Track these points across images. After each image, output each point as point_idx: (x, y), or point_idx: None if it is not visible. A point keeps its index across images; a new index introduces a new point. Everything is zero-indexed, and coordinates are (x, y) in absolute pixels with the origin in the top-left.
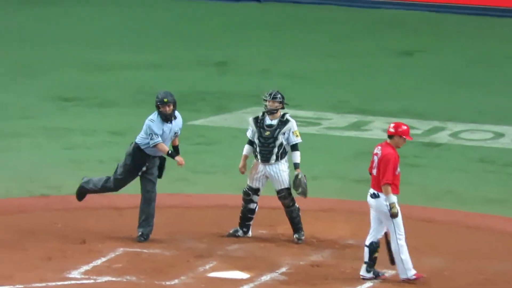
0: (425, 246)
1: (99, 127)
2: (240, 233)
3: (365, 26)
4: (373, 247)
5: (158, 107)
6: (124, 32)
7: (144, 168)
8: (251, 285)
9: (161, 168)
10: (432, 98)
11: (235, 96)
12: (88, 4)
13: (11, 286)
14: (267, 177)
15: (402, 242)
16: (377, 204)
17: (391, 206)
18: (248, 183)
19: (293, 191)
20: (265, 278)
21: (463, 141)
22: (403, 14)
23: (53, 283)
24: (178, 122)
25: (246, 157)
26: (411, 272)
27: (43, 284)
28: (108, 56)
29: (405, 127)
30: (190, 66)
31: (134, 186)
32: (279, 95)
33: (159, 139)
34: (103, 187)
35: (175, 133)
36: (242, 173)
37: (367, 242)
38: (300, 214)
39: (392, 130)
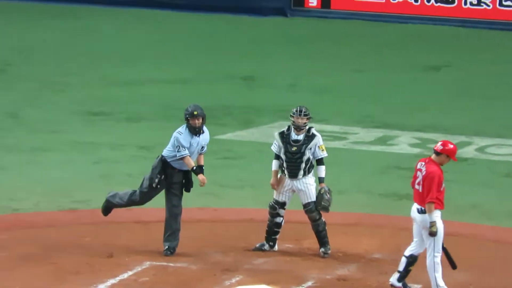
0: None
1: (127, 142)
2: (266, 247)
3: (392, 41)
4: (411, 260)
5: (187, 120)
6: (151, 46)
7: (159, 178)
8: None
9: (188, 183)
10: (459, 113)
11: (262, 111)
12: (113, 18)
13: None
14: (293, 191)
15: (438, 260)
16: (422, 220)
17: (431, 225)
18: (274, 197)
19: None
20: None
21: (489, 155)
22: (430, 29)
23: None
24: (205, 137)
25: (276, 172)
26: None
27: None
28: (135, 71)
29: (452, 146)
30: (217, 80)
31: (161, 200)
32: (308, 112)
33: (186, 151)
34: (129, 201)
35: (202, 147)
36: (275, 189)
37: (407, 253)
38: (326, 228)
39: (439, 147)
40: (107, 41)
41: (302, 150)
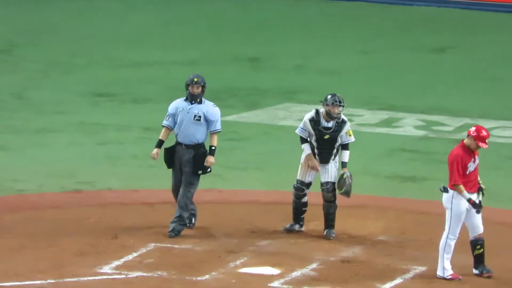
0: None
1: (133, 123)
2: (297, 227)
3: (398, 23)
4: (472, 245)
5: (187, 87)
6: (158, 28)
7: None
8: (282, 281)
9: (194, 163)
10: (464, 95)
11: (268, 92)
12: (117, 1)
13: (43, 281)
14: (318, 171)
15: (451, 242)
16: (443, 199)
17: (471, 203)
18: (299, 178)
19: (337, 190)
20: (296, 274)
21: (495, 138)
22: (436, 11)
23: (85, 278)
24: (201, 108)
25: (311, 155)
26: (448, 272)
27: (75, 279)
28: (142, 52)
29: (481, 132)
30: (223, 62)
31: (166, 182)
32: (343, 102)
33: (165, 122)
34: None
35: (198, 117)
36: (318, 170)
37: (470, 239)
38: (335, 212)
39: (470, 130)
40: (114, 22)
41: (335, 137)
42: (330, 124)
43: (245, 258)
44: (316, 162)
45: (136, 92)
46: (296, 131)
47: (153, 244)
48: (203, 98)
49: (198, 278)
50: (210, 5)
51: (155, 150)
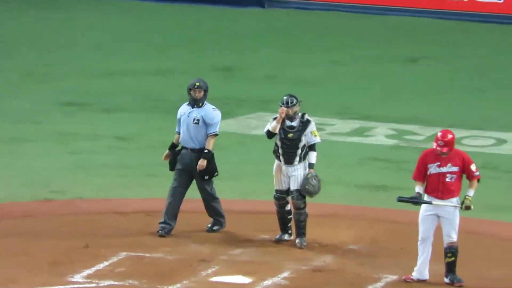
0: None
1: (105, 132)
2: (286, 236)
3: (371, 32)
4: (444, 252)
5: (189, 91)
6: (132, 38)
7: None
8: None
9: (201, 169)
10: (436, 105)
11: (241, 102)
12: (95, 9)
13: None
14: (289, 177)
15: (419, 244)
16: None
17: (412, 197)
18: (276, 188)
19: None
20: (267, 282)
21: (466, 147)
22: (410, 21)
23: (56, 287)
24: (200, 111)
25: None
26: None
27: None
28: (116, 62)
29: (438, 133)
30: (197, 71)
31: (138, 191)
32: (295, 100)
33: (177, 128)
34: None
35: (197, 120)
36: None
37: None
38: (306, 220)
39: None
40: (89, 32)
41: (299, 137)
42: (294, 123)
43: (216, 267)
44: (283, 110)
45: (110, 101)
46: (264, 131)
47: (124, 253)
48: (205, 102)
49: (170, 287)
50: (184, 15)
51: (166, 152)
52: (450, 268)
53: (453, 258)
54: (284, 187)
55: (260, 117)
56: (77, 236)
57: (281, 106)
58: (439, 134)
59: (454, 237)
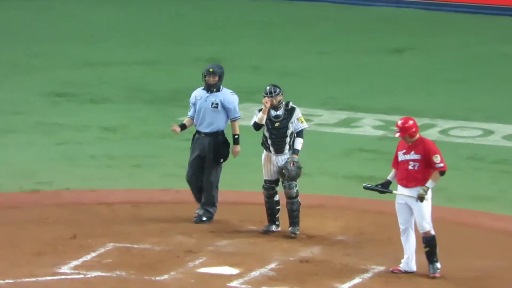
0: None
1: (91, 123)
2: (274, 227)
3: (357, 23)
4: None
5: (204, 76)
6: (116, 28)
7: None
8: (241, 280)
9: (215, 151)
10: (423, 96)
11: None
12: (74, 0)
13: (1, 281)
14: (279, 167)
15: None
16: None
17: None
18: (265, 178)
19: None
20: (255, 273)
21: (453, 138)
22: (395, 11)
23: (43, 278)
24: (219, 95)
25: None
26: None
27: (33, 279)
28: (100, 52)
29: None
30: (181, 62)
31: (125, 181)
32: (277, 90)
33: (189, 113)
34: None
35: (216, 104)
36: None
37: None
38: (299, 209)
39: None
40: (72, 22)
41: (285, 125)
42: (280, 112)
43: (204, 258)
44: (267, 100)
45: (95, 92)
46: (251, 124)
47: (111, 244)
48: (221, 86)
49: (157, 278)
50: (168, 5)
51: (177, 127)
52: (428, 258)
53: (427, 249)
54: (273, 177)
55: (245, 108)
56: (64, 227)
57: (264, 97)
58: (399, 121)
59: (426, 227)
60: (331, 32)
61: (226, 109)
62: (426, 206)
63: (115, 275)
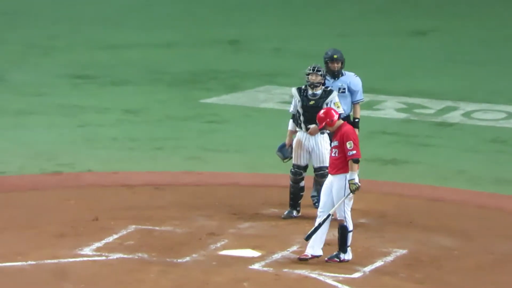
0: (436, 225)
1: (112, 105)
2: (294, 213)
3: (379, 5)
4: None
5: (326, 63)
6: (137, 10)
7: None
8: (262, 263)
9: None
10: (445, 78)
11: (248, 75)
12: None
13: (24, 263)
14: (309, 153)
15: None
16: None
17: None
18: (294, 162)
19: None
20: (276, 256)
21: (476, 121)
22: None
23: (65, 260)
24: (344, 80)
25: (292, 132)
26: None
27: (55, 261)
28: (120, 35)
29: None
30: (203, 44)
31: (146, 164)
32: (321, 69)
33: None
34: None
35: (340, 89)
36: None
37: None
38: None
39: None
40: (93, 4)
41: (320, 105)
42: (317, 92)
43: (225, 240)
44: (288, 140)
45: (115, 74)
46: (289, 110)
47: (133, 226)
48: (343, 71)
49: (179, 260)
50: None
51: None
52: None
53: (337, 235)
54: (302, 162)
55: (268, 90)
56: (86, 209)
57: (307, 75)
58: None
59: (337, 214)
60: (353, 14)
61: (351, 92)
62: (343, 194)
63: (136, 257)
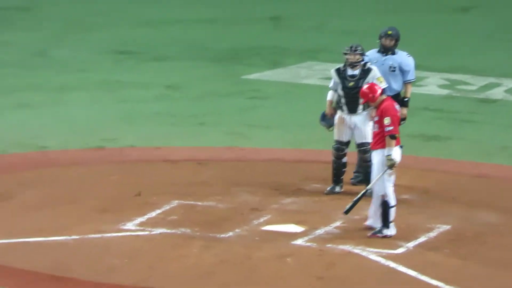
0: (479, 201)
1: (154, 81)
2: (337, 189)
3: None
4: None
5: (380, 38)
6: None
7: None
8: (305, 238)
9: None
10: (488, 54)
11: (290, 51)
12: None
13: (67, 237)
14: (351, 129)
15: None
16: None
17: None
18: (336, 138)
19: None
20: (319, 232)
21: None
22: None
23: (109, 235)
24: (396, 58)
25: (331, 102)
26: None
27: (99, 236)
28: (161, 11)
29: None
30: (244, 20)
31: (188, 139)
32: (359, 47)
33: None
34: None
35: (394, 68)
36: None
37: None
38: None
39: None
40: None
41: (360, 85)
42: (356, 72)
43: (268, 215)
44: (329, 110)
45: (157, 50)
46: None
47: (176, 201)
48: (396, 49)
49: (222, 235)
50: None
51: None
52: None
53: (380, 210)
54: (344, 138)
55: (310, 66)
56: (128, 184)
57: (345, 54)
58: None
59: (379, 190)
60: None
61: (402, 72)
62: (381, 169)
63: (179, 232)
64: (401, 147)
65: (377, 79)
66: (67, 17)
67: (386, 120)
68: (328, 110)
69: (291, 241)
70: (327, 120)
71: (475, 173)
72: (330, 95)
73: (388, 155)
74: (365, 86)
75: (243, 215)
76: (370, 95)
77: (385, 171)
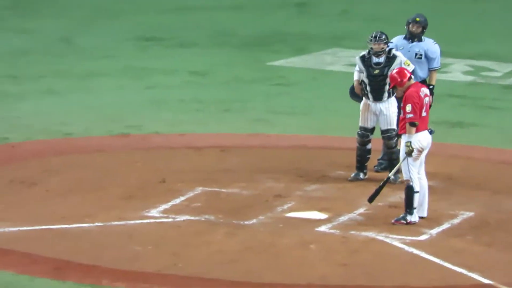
0: (503, 188)
1: (179, 67)
2: (361, 175)
3: None
4: None
5: (408, 24)
6: None
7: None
8: (329, 225)
9: None
10: (510, 41)
11: (315, 38)
12: None
13: (91, 224)
14: (376, 116)
15: None
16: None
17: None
18: (361, 124)
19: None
20: (343, 218)
21: None
22: None
23: (132, 222)
24: (422, 45)
25: (358, 82)
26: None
27: (123, 223)
28: None
29: None
30: (270, 7)
31: (212, 125)
32: (383, 36)
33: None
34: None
35: (417, 55)
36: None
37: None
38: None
39: None
40: None
41: (385, 73)
42: (381, 59)
43: (292, 202)
44: (358, 88)
45: (182, 36)
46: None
47: (200, 188)
48: (423, 37)
49: (245, 222)
50: None
51: None
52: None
53: (403, 197)
54: (369, 125)
55: (335, 53)
56: (153, 171)
57: (369, 42)
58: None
59: (403, 175)
60: None
61: (428, 59)
62: (403, 155)
63: (203, 219)
64: (430, 132)
65: (405, 62)
66: (93, 4)
67: (408, 107)
68: (357, 90)
69: (314, 228)
70: (357, 95)
71: (499, 160)
72: (356, 75)
73: (407, 142)
74: (394, 71)
75: (267, 202)
76: (399, 79)
77: (405, 158)
